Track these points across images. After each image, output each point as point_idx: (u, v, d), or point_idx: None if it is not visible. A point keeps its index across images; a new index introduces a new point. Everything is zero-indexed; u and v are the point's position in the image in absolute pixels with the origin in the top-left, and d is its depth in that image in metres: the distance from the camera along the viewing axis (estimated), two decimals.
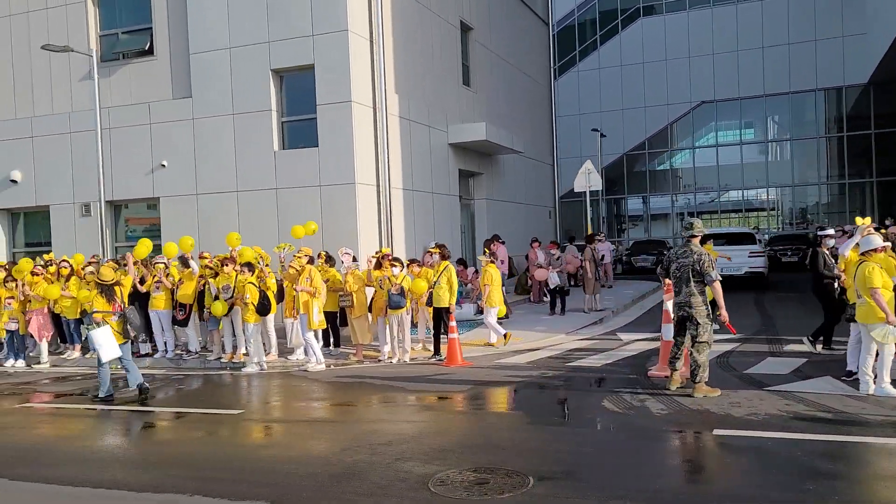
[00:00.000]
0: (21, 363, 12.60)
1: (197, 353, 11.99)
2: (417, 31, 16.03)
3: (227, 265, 11.37)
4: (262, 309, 10.96)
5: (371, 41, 14.07)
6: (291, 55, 13.83)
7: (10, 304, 12.45)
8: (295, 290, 10.83)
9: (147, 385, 9.25)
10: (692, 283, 7.89)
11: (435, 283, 11.13)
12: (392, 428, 7.29)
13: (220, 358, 11.73)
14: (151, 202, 15.42)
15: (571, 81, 39.86)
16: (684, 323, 7.99)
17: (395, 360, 11.12)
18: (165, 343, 12.14)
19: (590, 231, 19.14)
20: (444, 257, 11.45)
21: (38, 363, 12.49)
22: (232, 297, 11.14)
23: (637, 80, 39.00)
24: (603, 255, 19.15)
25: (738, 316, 12.30)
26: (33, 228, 17.00)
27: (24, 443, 7.34)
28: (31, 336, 12.58)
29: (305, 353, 11.10)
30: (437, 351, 11.27)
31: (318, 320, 10.67)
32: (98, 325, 8.90)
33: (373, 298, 11.46)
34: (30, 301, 12.49)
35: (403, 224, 15.01)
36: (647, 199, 41.18)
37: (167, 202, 14.96)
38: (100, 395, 9.18)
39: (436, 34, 17.00)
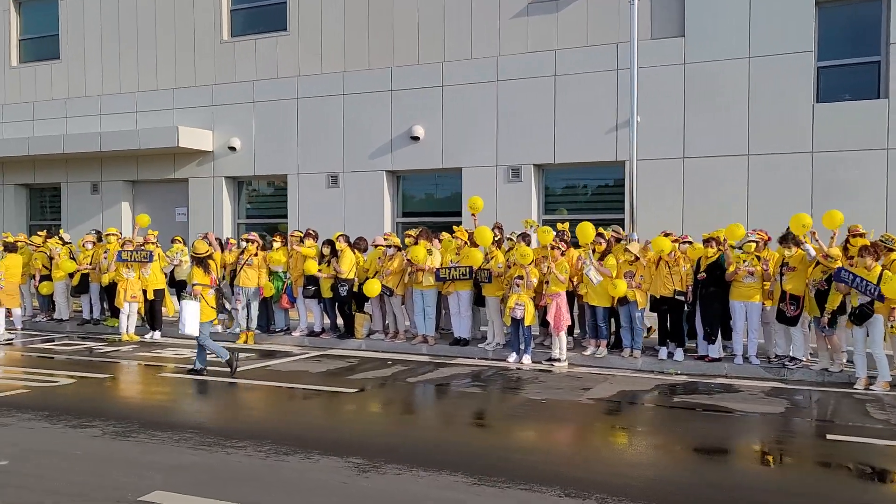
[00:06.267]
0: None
1: (803, 361, 9.15)
2: None
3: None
4: None
5: None
6: None
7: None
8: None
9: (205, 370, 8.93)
10: None
11: None
12: None
13: (842, 371, 8.90)
14: (607, 165, 12.76)
15: None
16: None
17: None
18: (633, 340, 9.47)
19: None
20: None
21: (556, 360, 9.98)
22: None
23: None
24: None
25: None
26: (423, 193, 14.65)
27: None
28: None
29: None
30: None
31: None
32: (195, 297, 8.73)
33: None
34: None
35: None
36: None
37: (639, 166, 12.19)
38: (223, 359, 8.87)
39: None
